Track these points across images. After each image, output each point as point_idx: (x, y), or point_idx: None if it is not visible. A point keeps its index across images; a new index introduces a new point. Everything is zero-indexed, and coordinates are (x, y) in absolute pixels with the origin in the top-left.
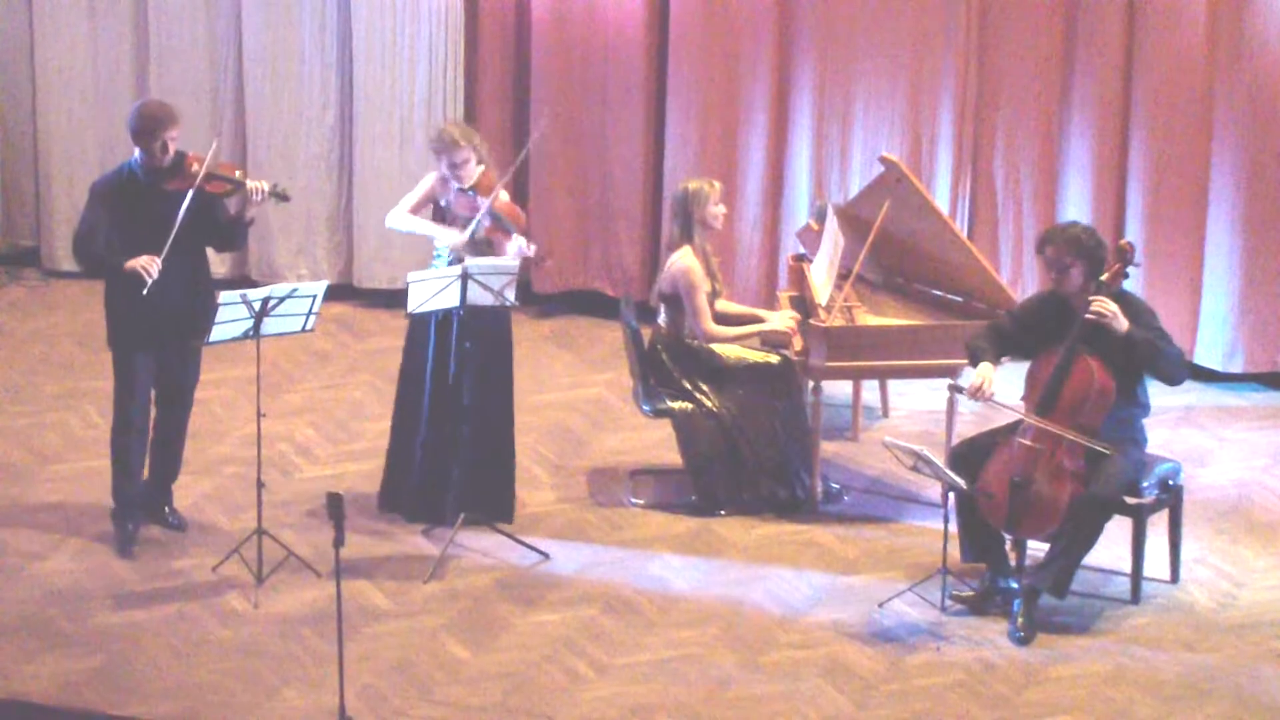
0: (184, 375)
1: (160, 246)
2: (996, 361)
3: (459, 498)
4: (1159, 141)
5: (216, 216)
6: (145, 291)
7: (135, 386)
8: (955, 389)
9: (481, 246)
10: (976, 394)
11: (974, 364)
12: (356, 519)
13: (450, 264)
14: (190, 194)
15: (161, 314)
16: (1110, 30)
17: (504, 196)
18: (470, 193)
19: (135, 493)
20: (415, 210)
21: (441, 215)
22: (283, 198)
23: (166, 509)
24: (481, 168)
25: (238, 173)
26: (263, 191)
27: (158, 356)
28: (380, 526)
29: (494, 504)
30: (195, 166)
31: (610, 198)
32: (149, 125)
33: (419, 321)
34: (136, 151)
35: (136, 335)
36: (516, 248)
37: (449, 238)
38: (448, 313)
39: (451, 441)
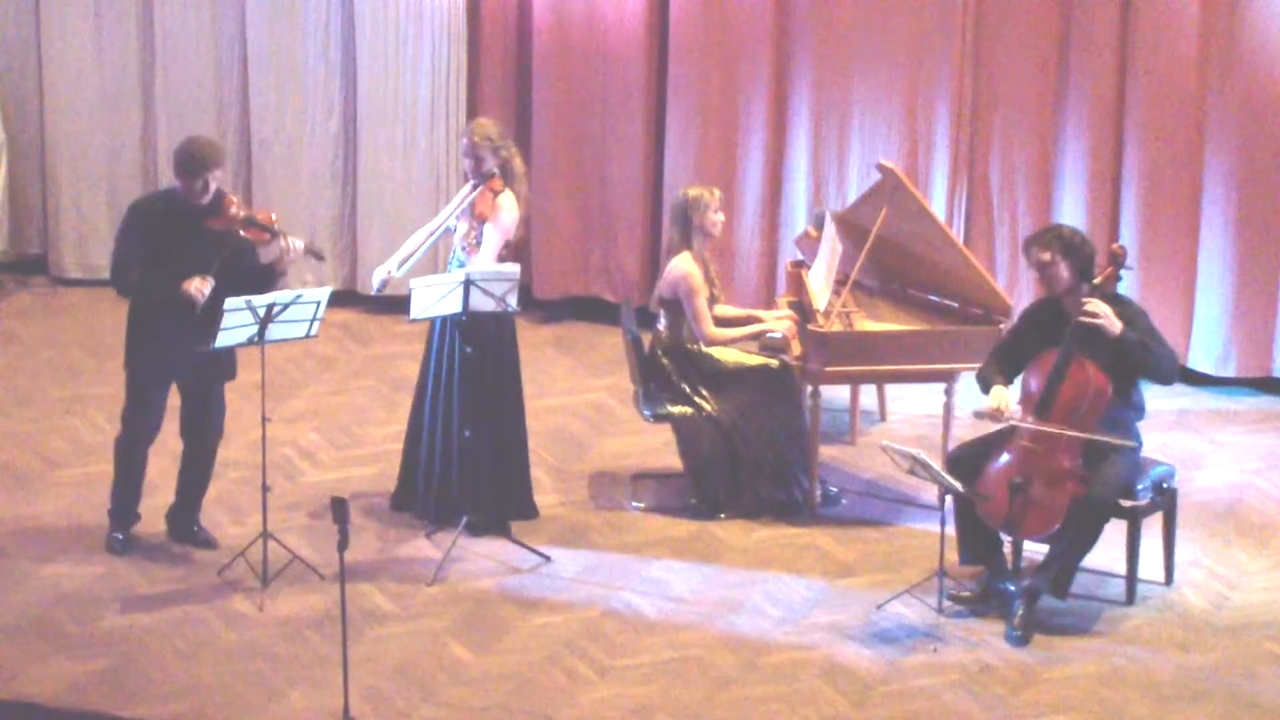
0: (206, 420)
1: (189, 278)
2: (1008, 383)
3: (472, 501)
4: (1153, 146)
5: (249, 261)
6: (198, 310)
7: (148, 410)
8: (979, 415)
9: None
10: (997, 416)
11: (985, 392)
12: (360, 522)
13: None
14: (230, 238)
15: (180, 354)
16: (1104, 34)
17: (504, 200)
18: (478, 187)
19: (134, 498)
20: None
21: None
22: (318, 256)
23: (195, 528)
24: (496, 172)
25: (275, 222)
26: (297, 250)
27: (181, 393)
28: (384, 530)
29: (513, 505)
30: (234, 209)
31: (610, 203)
32: (195, 164)
33: (430, 326)
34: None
35: (153, 368)
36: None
37: (385, 266)
38: (454, 318)
39: (456, 445)
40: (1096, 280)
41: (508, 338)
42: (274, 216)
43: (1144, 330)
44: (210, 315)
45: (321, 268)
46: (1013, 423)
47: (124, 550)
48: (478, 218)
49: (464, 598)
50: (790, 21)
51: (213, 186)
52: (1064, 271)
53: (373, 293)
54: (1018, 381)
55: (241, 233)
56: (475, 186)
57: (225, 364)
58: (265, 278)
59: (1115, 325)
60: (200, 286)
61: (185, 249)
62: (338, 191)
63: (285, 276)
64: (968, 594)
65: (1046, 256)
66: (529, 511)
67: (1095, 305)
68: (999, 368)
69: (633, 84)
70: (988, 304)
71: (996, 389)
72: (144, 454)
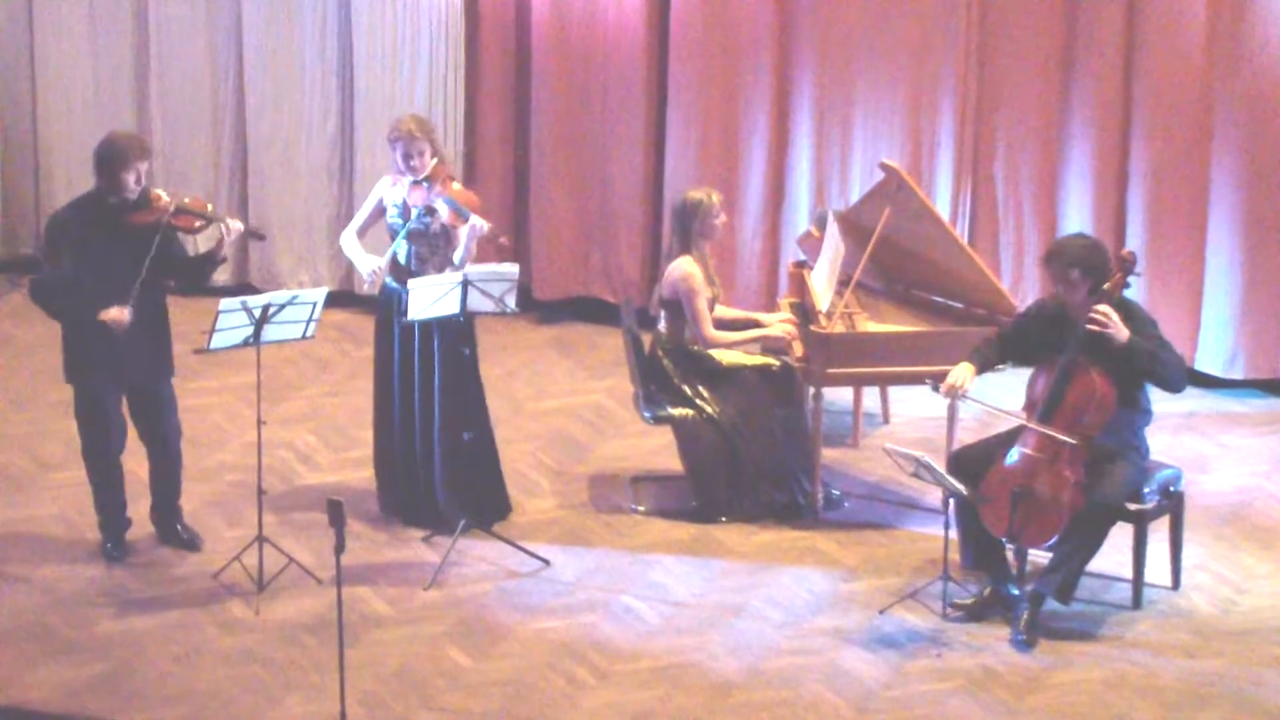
0: (160, 419)
1: (122, 281)
2: (984, 365)
3: (450, 501)
4: (1159, 145)
5: (177, 252)
6: (119, 337)
7: (104, 421)
8: (934, 388)
9: (436, 240)
10: (950, 392)
11: None
12: (357, 526)
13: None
14: (160, 230)
15: (122, 353)
16: (1110, 33)
17: (456, 186)
18: (425, 184)
19: (119, 506)
20: (365, 228)
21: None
22: (258, 236)
23: (179, 526)
24: (435, 160)
25: (208, 208)
26: (236, 231)
27: (127, 397)
28: (381, 533)
29: (487, 503)
30: (162, 200)
31: (610, 203)
32: (123, 155)
33: (383, 325)
34: (96, 182)
35: (97, 376)
36: (469, 228)
37: (369, 263)
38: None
39: (430, 445)
40: (1106, 286)
41: (466, 333)
42: (207, 203)
43: (1151, 338)
44: (151, 321)
45: (318, 269)
46: (1004, 415)
47: (119, 558)
48: (472, 209)
49: (462, 602)
50: (792, 19)
51: (143, 178)
52: (1084, 288)
53: (365, 287)
54: (1018, 378)
55: (173, 222)
56: (424, 182)
57: (165, 361)
58: (200, 266)
59: (1123, 332)
60: (118, 317)
61: (114, 250)
62: (335, 191)
63: (225, 260)
64: (971, 600)
65: (1074, 275)
66: (500, 511)
67: (1103, 313)
68: (986, 350)
69: (633, 83)
70: (992, 304)
71: (961, 366)
72: (114, 463)
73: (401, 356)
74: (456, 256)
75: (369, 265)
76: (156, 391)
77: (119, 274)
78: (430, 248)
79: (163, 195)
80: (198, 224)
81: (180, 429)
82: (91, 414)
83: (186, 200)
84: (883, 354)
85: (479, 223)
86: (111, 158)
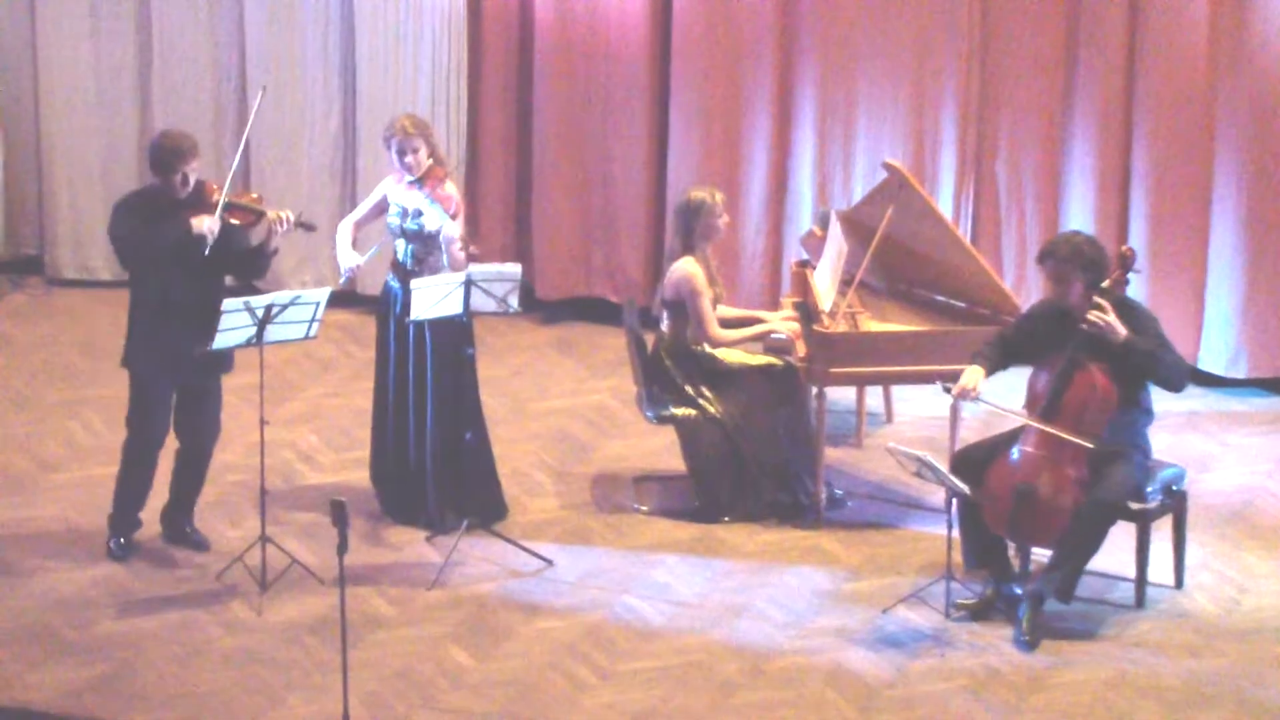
0: (204, 416)
1: (180, 274)
2: (993, 367)
3: (442, 499)
4: (1162, 143)
5: (235, 245)
6: (206, 251)
7: (152, 411)
8: (945, 389)
9: (431, 240)
10: (962, 395)
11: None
12: (360, 526)
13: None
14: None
15: (181, 342)
16: (1112, 31)
17: (449, 188)
18: (417, 184)
19: (139, 503)
20: (364, 221)
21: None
22: (308, 227)
23: (188, 528)
24: (430, 161)
25: (259, 202)
26: (288, 221)
27: (177, 389)
28: (384, 534)
29: (482, 505)
30: (216, 196)
31: (612, 202)
32: (169, 158)
33: (380, 323)
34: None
35: (157, 369)
36: (445, 234)
37: (349, 259)
38: (402, 315)
39: (421, 443)
40: (1105, 284)
41: (462, 333)
42: (257, 195)
43: (1153, 337)
44: (211, 315)
45: (321, 268)
46: (1007, 414)
47: (123, 556)
48: (454, 215)
49: (465, 602)
50: (794, 18)
51: (192, 179)
52: (1080, 287)
53: (341, 283)
54: (1020, 377)
55: (229, 219)
56: (417, 182)
57: (224, 357)
58: (257, 258)
59: (1120, 332)
60: (213, 226)
61: (171, 246)
62: (337, 190)
63: (277, 252)
64: (975, 601)
65: (1069, 272)
66: (500, 508)
67: (1099, 313)
68: (992, 351)
69: (635, 82)
70: (995, 304)
71: (971, 369)
72: (155, 458)
73: (397, 355)
74: (443, 260)
75: (349, 261)
76: (207, 387)
77: (176, 267)
78: (426, 248)
79: (217, 191)
80: (250, 219)
81: (220, 430)
82: (141, 405)
83: (240, 197)
84: (885, 353)
85: (450, 230)
86: (160, 160)
